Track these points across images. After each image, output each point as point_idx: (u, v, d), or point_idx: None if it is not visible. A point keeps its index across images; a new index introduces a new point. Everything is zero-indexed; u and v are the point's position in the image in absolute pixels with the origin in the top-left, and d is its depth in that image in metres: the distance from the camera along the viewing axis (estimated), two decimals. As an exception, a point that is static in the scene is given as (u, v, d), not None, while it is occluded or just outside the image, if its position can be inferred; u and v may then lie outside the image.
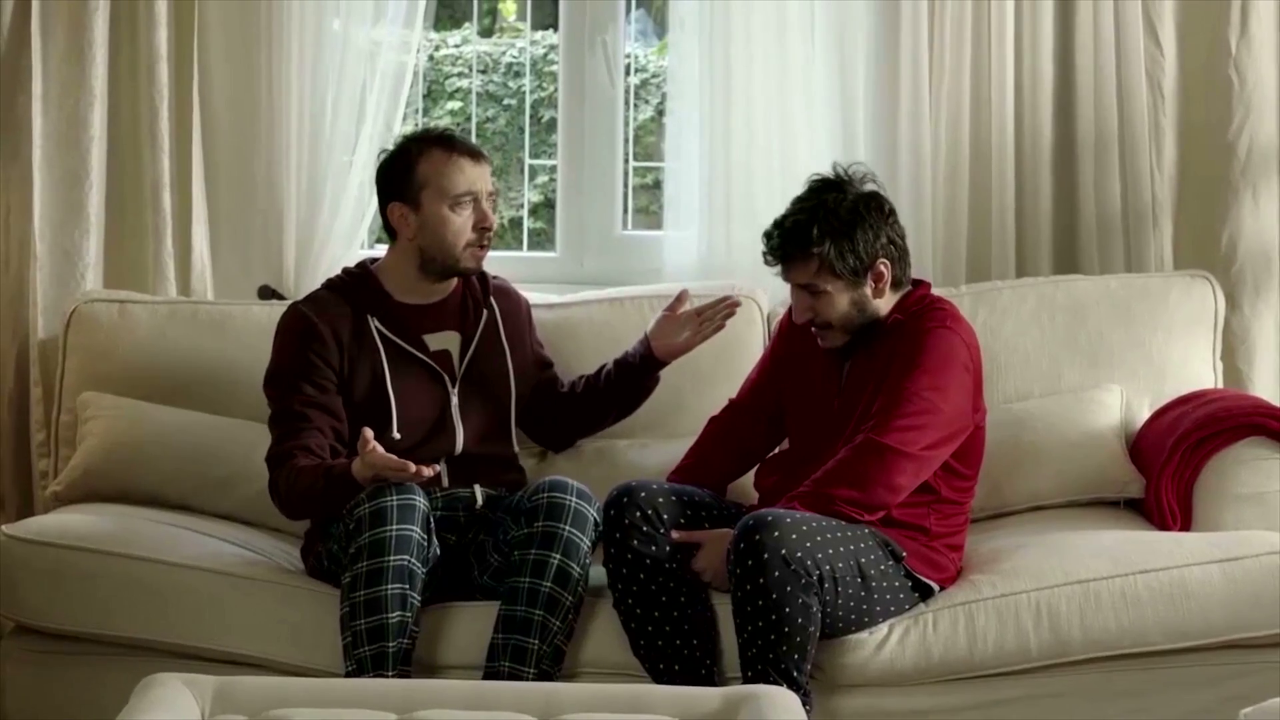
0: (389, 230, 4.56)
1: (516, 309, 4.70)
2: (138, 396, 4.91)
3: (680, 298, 4.63)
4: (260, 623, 4.33)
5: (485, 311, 4.61)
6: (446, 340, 4.56)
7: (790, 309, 4.53)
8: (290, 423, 4.40)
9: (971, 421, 4.35)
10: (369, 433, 4.21)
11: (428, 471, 4.16)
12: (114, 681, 4.14)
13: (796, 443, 4.52)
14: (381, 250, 5.34)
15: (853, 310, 4.34)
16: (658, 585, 4.25)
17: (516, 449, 4.66)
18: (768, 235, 4.37)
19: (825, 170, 4.45)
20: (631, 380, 4.67)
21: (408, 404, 4.46)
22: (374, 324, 4.49)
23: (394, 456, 4.19)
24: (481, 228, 4.50)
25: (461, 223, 4.48)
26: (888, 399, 4.24)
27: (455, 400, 4.51)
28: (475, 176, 4.50)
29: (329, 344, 4.43)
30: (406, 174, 4.49)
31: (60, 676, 4.41)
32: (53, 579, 4.37)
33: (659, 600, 4.25)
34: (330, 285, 4.58)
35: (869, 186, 4.39)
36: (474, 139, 6.32)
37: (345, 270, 4.61)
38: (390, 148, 4.61)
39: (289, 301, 5.01)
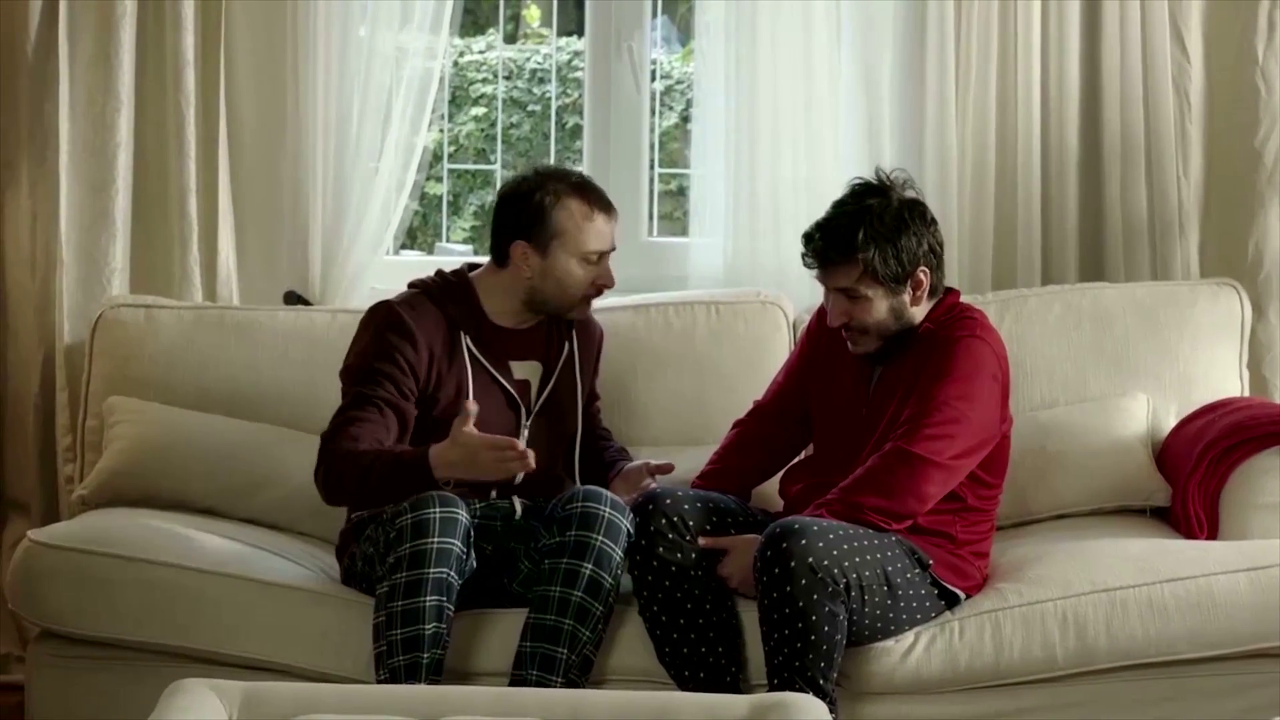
0: (497, 255, 4.47)
1: (591, 341, 4.66)
2: (164, 401, 4.91)
3: (663, 468, 4.55)
4: (286, 628, 4.33)
5: (566, 344, 4.57)
6: (529, 370, 4.52)
7: (818, 313, 4.52)
8: (361, 408, 4.31)
9: (999, 431, 4.35)
10: (473, 407, 4.17)
11: (531, 460, 4.12)
12: (140, 687, 4.15)
13: (822, 449, 4.52)
14: (410, 256, 5.35)
15: (889, 318, 4.33)
16: (683, 592, 4.25)
17: (574, 479, 4.60)
18: (809, 237, 4.34)
19: (852, 177, 4.45)
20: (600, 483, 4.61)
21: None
22: (467, 343, 4.45)
23: (495, 436, 4.15)
24: (601, 285, 4.48)
25: (585, 276, 4.45)
26: (917, 408, 4.24)
27: (527, 433, 4.48)
28: (609, 234, 4.46)
29: (421, 353, 4.37)
30: (540, 218, 4.41)
31: (86, 682, 4.41)
32: (79, 584, 4.37)
33: (684, 607, 4.25)
34: (426, 290, 4.49)
35: (909, 193, 4.37)
36: (499, 145, 6.34)
37: (441, 275, 4.52)
38: (520, 178, 4.50)
39: (312, 311, 5.01)
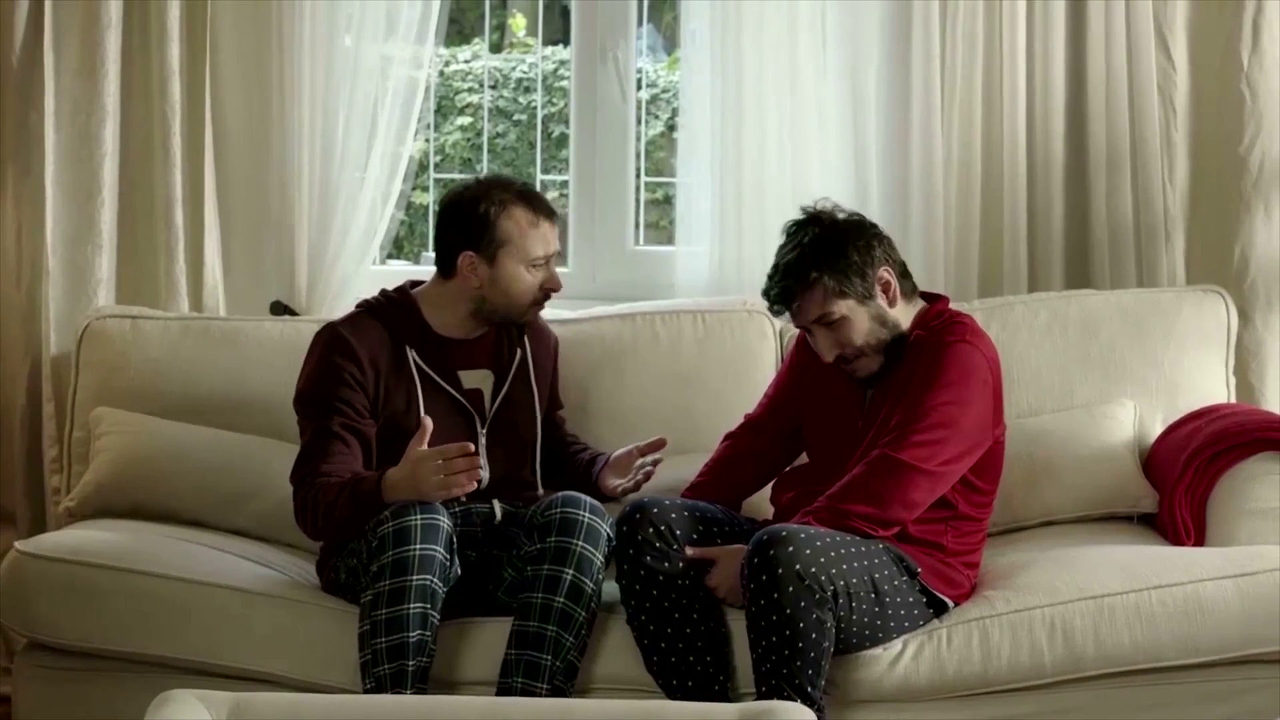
0: (444, 266, 4.49)
1: (546, 348, 4.68)
2: (150, 412, 4.91)
3: (655, 444, 4.56)
4: (274, 639, 4.33)
5: (519, 351, 4.59)
6: (480, 379, 4.53)
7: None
8: (323, 444, 4.35)
9: (990, 436, 4.35)
10: (428, 423, 4.20)
11: (480, 465, 4.15)
12: (127, 698, 4.16)
13: (816, 458, 4.51)
14: (396, 265, 5.34)
15: (876, 325, 4.33)
16: (671, 601, 4.25)
17: (540, 489, 4.60)
18: (766, 290, 4.36)
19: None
20: (583, 483, 4.64)
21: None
22: (412, 356, 4.47)
23: (443, 446, 4.17)
24: (549, 288, 4.49)
25: (533, 281, 4.46)
26: (906, 414, 4.24)
27: (484, 441, 4.48)
28: (552, 238, 4.49)
29: (366, 370, 4.39)
30: (485, 227, 4.43)
31: (73, 693, 4.40)
32: (66, 595, 4.36)
33: (672, 616, 4.24)
34: (370, 308, 4.52)
35: (841, 215, 4.39)
36: (485, 155, 6.35)
37: (384, 293, 4.55)
38: (463, 188, 4.52)
39: (299, 321, 5.01)
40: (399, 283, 4.60)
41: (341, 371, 4.38)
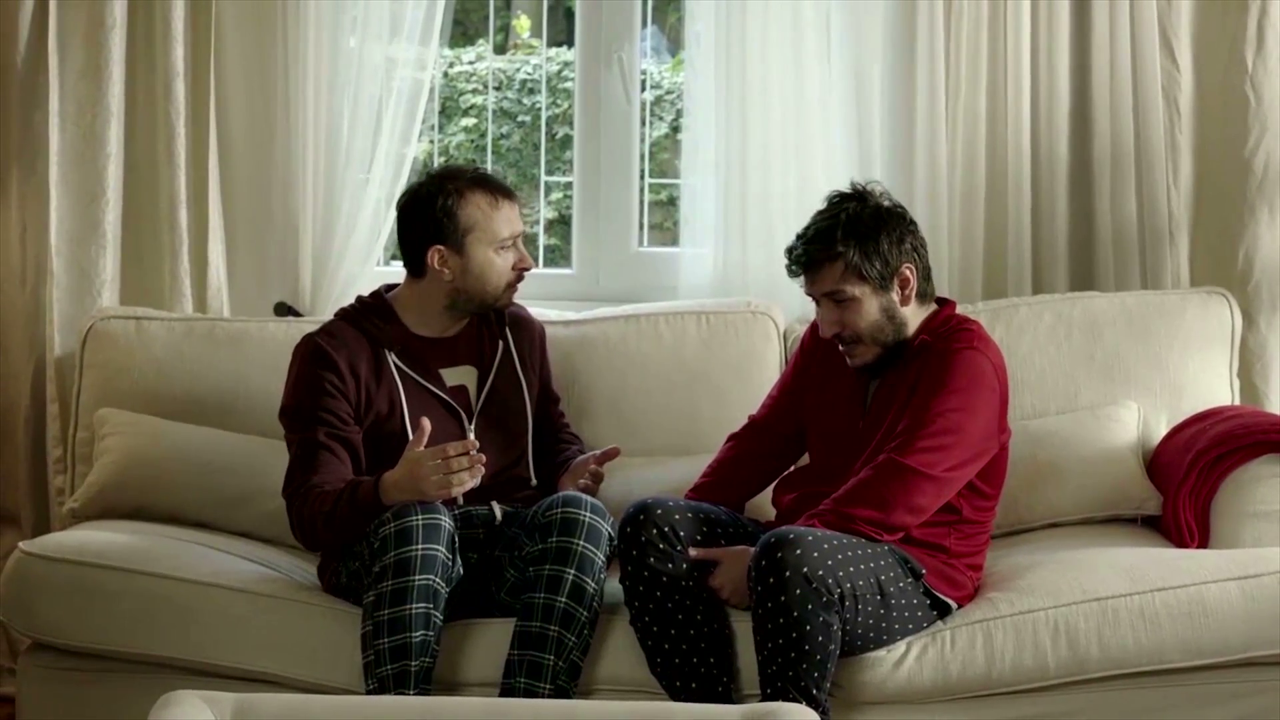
0: (414, 266, 4.51)
1: (531, 338, 4.68)
2: (154, 413, 4.91)
3: (609, 454, 4.55)
4: (278, 640, 4.33)
5: (501, 343, 4.59)
6: (463, 375, 4.54)
7: (812, 326, 4.52)
8: (311, 456, 4.36)
9: (996, 442, 4.35)
10: (425, 424, 4.20)
11: (479, 457, 4.14)
12: (132, 698, 4.16)
13: (818, 460, 4.52)
14: (399, 267, 5.34)
15: (882, 318, 4.33)
16: (674, 603, 4.25)
17: (533, 480, 4.61)
18: (790, 248, 4.37)
19: (842, 187, 4.46)
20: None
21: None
22: (391, 359, 4.47)
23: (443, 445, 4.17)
24: (522, 268, 4.50)
25: (504, 264, 4.47)
26: (913, 419, 4.23)
27: (472, 437, 4.46)
28: (515, 218, 4.49)
29: (346, 378, 4.39)
30: (448, 218, 4.44)
31: (77, 694, 4.40)
32: (70, 596, 4.36)
33: (676, 618, 4.24)
34: (345, 316, 4.53)
35: (886, 201, 4.39)
36: (489, 156, 6.35)
37: (360, 300, 4.57)
38: (417, 186, 4.54)
39: (303, 323, 5.01)
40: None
41: (321, 381, 4.38)
